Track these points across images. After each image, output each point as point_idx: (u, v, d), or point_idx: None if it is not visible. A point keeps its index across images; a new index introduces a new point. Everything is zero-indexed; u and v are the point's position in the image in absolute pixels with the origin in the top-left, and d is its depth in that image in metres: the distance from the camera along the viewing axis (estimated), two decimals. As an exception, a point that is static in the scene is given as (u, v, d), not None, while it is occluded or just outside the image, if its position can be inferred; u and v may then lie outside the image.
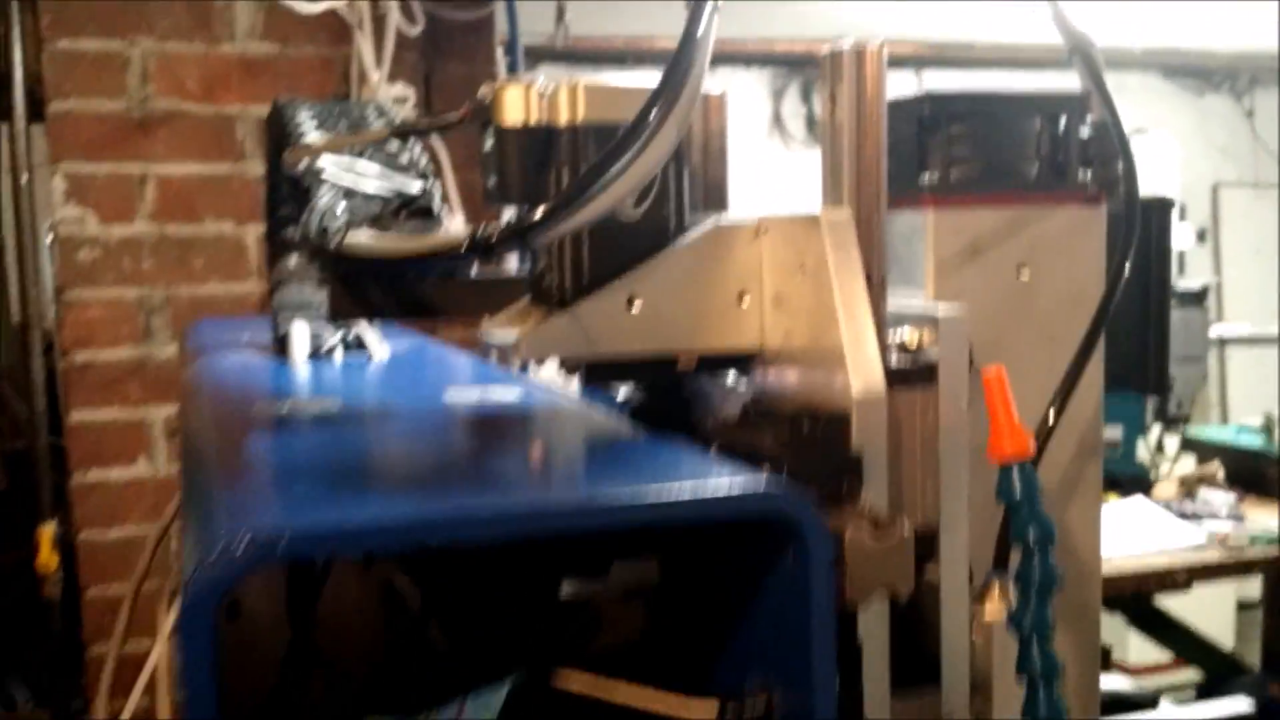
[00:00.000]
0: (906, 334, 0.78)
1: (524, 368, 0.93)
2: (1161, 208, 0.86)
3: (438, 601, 0.91)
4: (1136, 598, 3.97)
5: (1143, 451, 4.36)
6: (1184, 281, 4.44)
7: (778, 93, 5.61)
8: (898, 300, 0.80)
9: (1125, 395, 4.37)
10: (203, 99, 2.56)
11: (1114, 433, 4.34)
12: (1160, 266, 0.88)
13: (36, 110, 2.57)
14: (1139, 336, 0.86)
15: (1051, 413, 0.79)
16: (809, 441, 0.73)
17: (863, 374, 0.72)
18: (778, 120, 5.58)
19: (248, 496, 0.61)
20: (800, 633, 0.63)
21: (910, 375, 0.76)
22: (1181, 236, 5.59)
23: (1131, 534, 3.60)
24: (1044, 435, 0.79)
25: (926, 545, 0.77)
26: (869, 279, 0.76)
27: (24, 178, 2.55)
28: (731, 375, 0.85)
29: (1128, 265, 0.79)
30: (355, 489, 0.64)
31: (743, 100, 5.12)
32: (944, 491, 0.76)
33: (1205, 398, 5.19)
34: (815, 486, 0.68)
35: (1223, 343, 6.00)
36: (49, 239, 2.70)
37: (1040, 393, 0.84)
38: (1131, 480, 4.22)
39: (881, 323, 0.77)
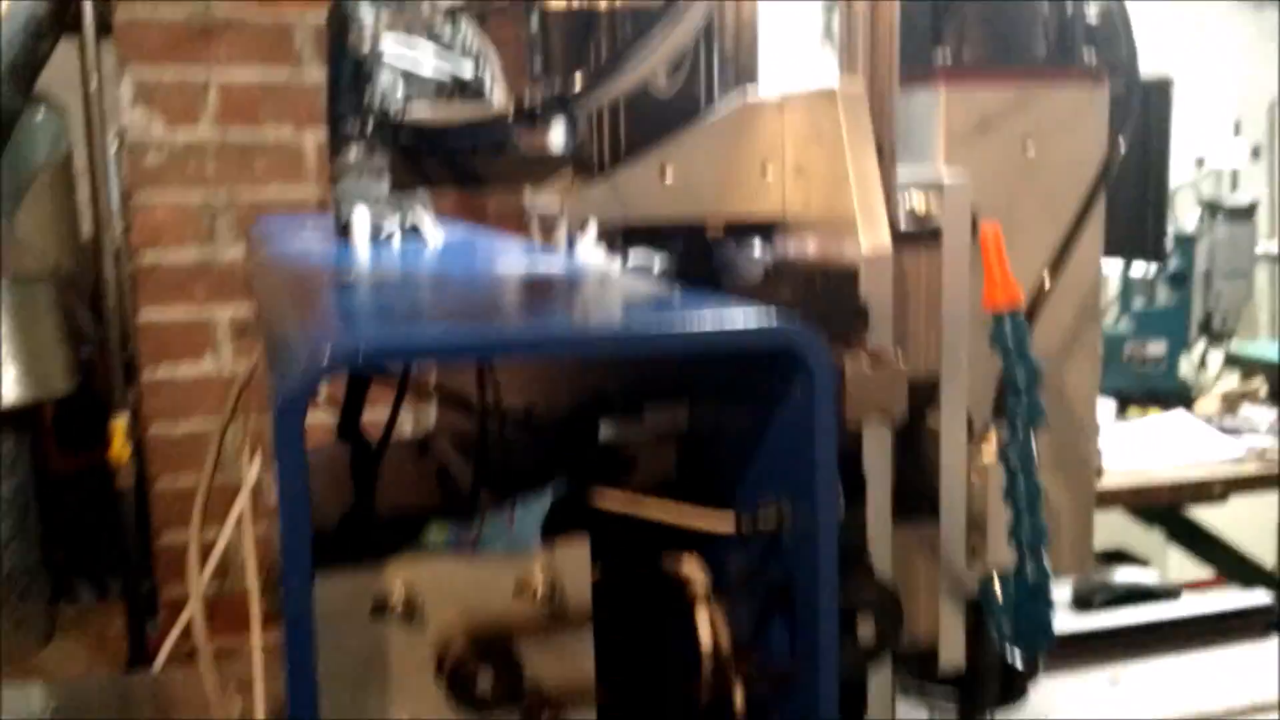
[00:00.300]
0: (915, 201, 0.85)
1: (570, 242, 1.02)
2: (1162, 88, 0.92)
3: (487, 480, 1.00)
4: (1177, 514, 4.03)
5: (1186, 368, 4.39)
6: (1233, 197, 4.42)
7: (829, 5, 5.58)
8: (909, 171, 0.87)
9: (1168, 310, 4.39)
10: (262, 5, 2.64)
11: (1156, 348, 4.37)
12: (1160, 142, 0.94)
13: (104, 26, 2.66)
14: (1139, 208, 0.93)
15: (1048, 272, 0.86)
16: (821, 294, 0.81)
17: (871, 234, 0.80)
18: (829, 30, 5.55)
19: (325, 326, 0.70)
20: (805, 452, 0.71)
21: (917, 237, 0.83)
22: (1235, 153, 5.54)
23: (1170, 447, 3.65)
24: (1040, 293, 0.86)
25: (928, 392, 0.85)
26: (880, 148, 0.83)
27: (93, 83, 2.64)
28: (757, 243, 0.92)
29: (1123, 138, 0.86)
30: (419, 319, 0.73)
31: (794, 9, 5.13)
32: (945, 342, 0.84)
33: (1253, 314, 5.18)
34: (825, 333, 0.76)
35: (1274, 259, 5.95)
36: (114, 147, 2.80)
37: (1043, 261, 0.91)
38: (1173, 396, 4.25)
39: (891, 190, 0.84)
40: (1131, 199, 0.92)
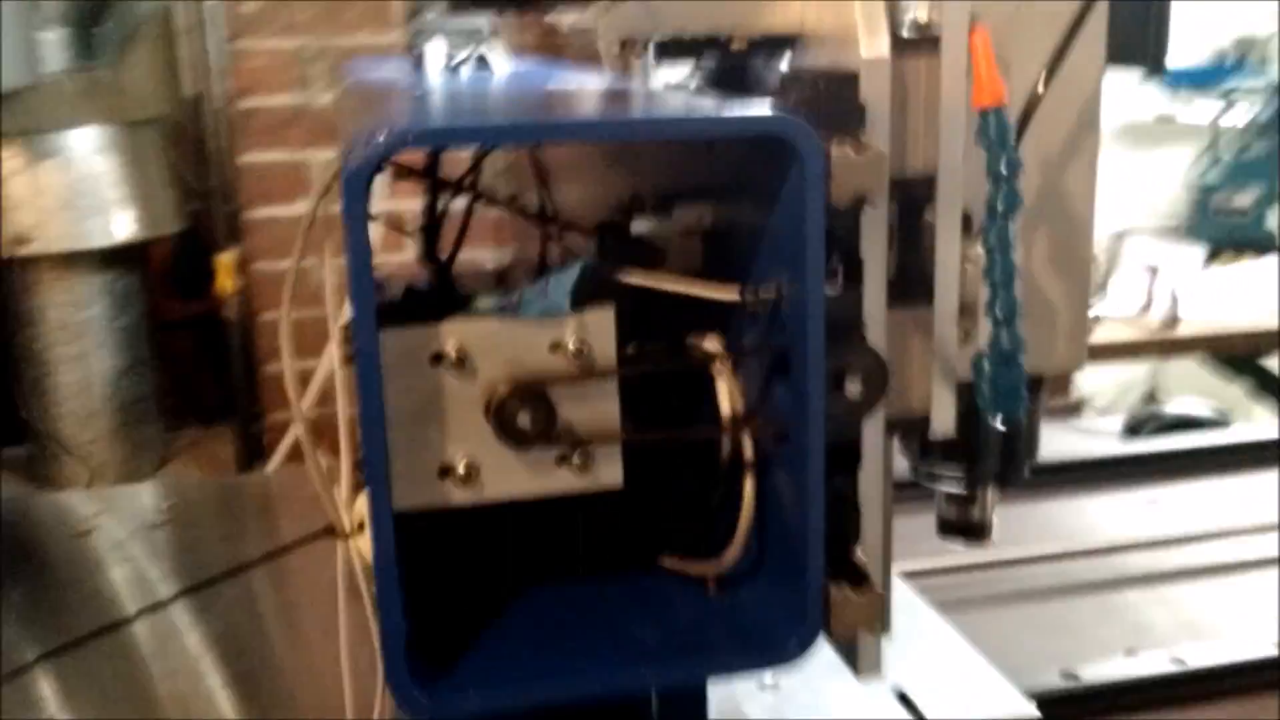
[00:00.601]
0: (918, 12, 0.93)
1: (641, 67, 1.13)
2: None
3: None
4: (1256, 364, 4.04)
5: (1275, 219, 4.34)
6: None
7: None
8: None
9: (1259, 161, 4.33)
10: None
11: (1245, 199, 4.32)
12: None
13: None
14: (1141, 16, 0.98)
15: (1043, 78, 0.95)
16: (824, 97, 0.90)
17: (871, 40, 0.89)
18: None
19: (386, 118, 0.83)
20: (799, 229, 0.82)
21: (917, 44, 0.92)
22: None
23: (1254, 296, 3.64)
24: (1034, 99, 0.95)
25: (927, 188, 0.95)
26: (886, -37, 0.91)
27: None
28: (777, 56, 1.02)
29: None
30: (470, 113, 0.85)
31: None
32: (942, 141, 0.93)
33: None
34: (826, 130, 0.86)
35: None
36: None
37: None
38: (1260, 245, 4.22)
39: (896, 3, 0.93)
40: (1135, 10, 0.99)
